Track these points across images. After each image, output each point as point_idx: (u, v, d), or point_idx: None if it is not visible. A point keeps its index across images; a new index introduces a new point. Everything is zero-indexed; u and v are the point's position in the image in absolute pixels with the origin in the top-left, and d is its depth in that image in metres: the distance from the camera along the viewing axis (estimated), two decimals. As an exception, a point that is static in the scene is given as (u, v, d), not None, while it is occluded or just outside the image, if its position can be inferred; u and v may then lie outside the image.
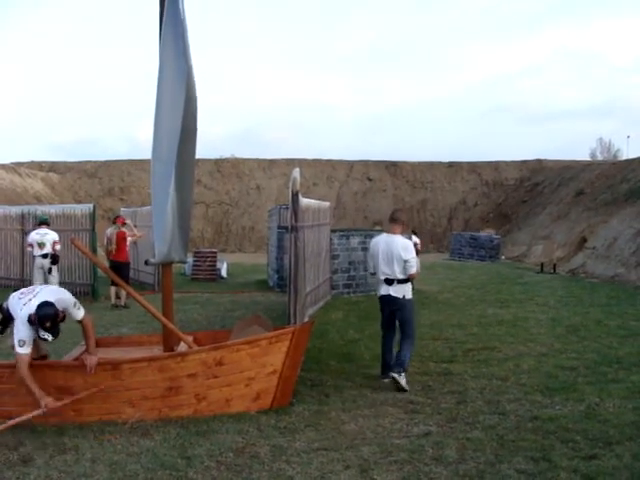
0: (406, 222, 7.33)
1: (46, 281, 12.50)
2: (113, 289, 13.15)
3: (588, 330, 9.89)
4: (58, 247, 12.81)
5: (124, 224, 13.81)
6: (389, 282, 6.89)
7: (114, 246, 13.17)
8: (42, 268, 12.85)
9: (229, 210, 37.22)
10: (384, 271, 6.89)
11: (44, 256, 12.79)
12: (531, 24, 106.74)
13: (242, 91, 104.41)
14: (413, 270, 6.88)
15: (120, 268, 12.56)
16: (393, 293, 6.89)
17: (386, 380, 6.87)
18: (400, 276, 6.85)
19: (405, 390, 6.58)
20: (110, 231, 13.50)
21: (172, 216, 6.24)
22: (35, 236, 12.92)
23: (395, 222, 7.09)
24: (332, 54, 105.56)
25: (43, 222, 13.21)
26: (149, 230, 13.46)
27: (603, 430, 5.33)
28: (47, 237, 12.81)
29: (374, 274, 7.19)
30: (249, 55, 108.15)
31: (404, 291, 6.92)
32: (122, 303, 13.00)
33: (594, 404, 6.05)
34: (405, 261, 6.80)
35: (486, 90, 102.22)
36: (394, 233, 7.02)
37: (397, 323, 7.06)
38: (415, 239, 14.93)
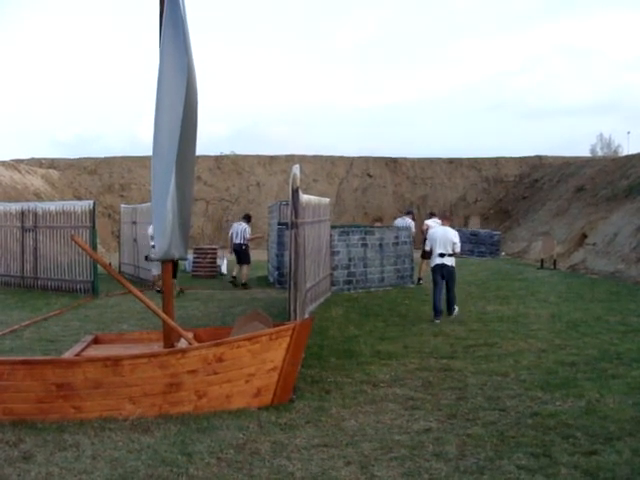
0: (449, 217, 12.38)
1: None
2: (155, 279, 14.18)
3: (588, 326, 9.90)
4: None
5: None
6: (442, 255, 10.78)
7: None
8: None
9: (229, 207, 37.17)
10: (441, 248, 10.76)
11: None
12: (531, 19, 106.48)
13: (242, 87, 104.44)
14: (459, 249, 11.00)
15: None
16: (446, 262, 10.77)
17: (437, 321, 10.45)
18: (450, 252, 10.78)
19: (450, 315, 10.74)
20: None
21: (172, 213, 6.24)
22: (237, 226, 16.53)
23: (446, 218, 11.93)
24: (332, 51, 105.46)
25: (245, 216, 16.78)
26: (149, 227, 13.51)
27: (603, 426, 5.34)
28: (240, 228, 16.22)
29: (429, 250, 11.37)
30: (249, 51, 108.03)
31: (452, 261, 10.87)
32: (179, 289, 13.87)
33: (594, 400, 6.06)
34: (454, 243, 10.78)
35: (486, 86, 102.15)
36: (445, 225, 11.28)
37: (445, 282, 10.86)
38: (436, 221, 15.28)
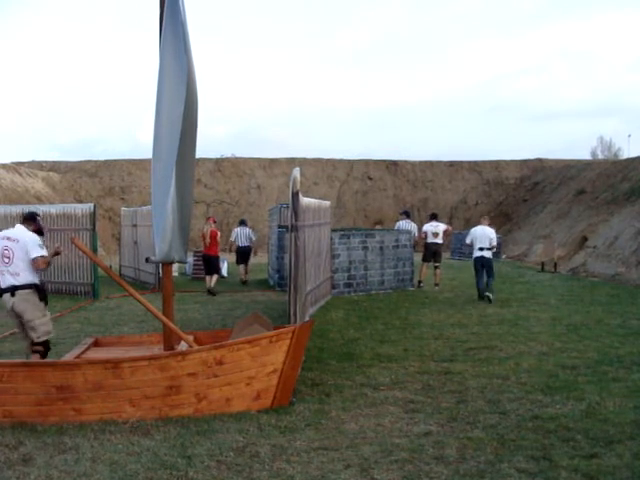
0: (489, 220, 14.56)
1: None
2: (215, 277, 15.29)
3: (589, 329, 9.90)
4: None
5: (215, 222, 16.10)
6: (482, 249, 13.37)
7: (208, 240, 15.32)
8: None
9: (229, 209, 37.18)
10: (481, 243, 13.39)
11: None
12: (532, 22, 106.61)
13: (242, 90, 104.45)
14: (495, 243, 13.63)
15: (212, 260, 15.38)
16: (485, 255, 13.35)
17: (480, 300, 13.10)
18: (488, 246, 13.37)
19: (491, 302, 12.85)
20: (205, 228, 15.65)
21: (172, 215, 6.24)
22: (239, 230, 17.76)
23: (485, 219, 14.17)
24: (332, 53, 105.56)
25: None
26: (150, 229, 13.53)
27: (604, 429, 5.33)
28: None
29: (469, 245, 14.19)
30: (249, 53, 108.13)
31: (489, 254, 13.42)
32: (211, 285, 15.03)
33: (595, 403, 6.05)
34: (491, 239, 13.43)
35: (487, 88, 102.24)
36: (484, 225, 13.75)
37: (485, 270, 13.42)
38: (435, 224, 16.53)
